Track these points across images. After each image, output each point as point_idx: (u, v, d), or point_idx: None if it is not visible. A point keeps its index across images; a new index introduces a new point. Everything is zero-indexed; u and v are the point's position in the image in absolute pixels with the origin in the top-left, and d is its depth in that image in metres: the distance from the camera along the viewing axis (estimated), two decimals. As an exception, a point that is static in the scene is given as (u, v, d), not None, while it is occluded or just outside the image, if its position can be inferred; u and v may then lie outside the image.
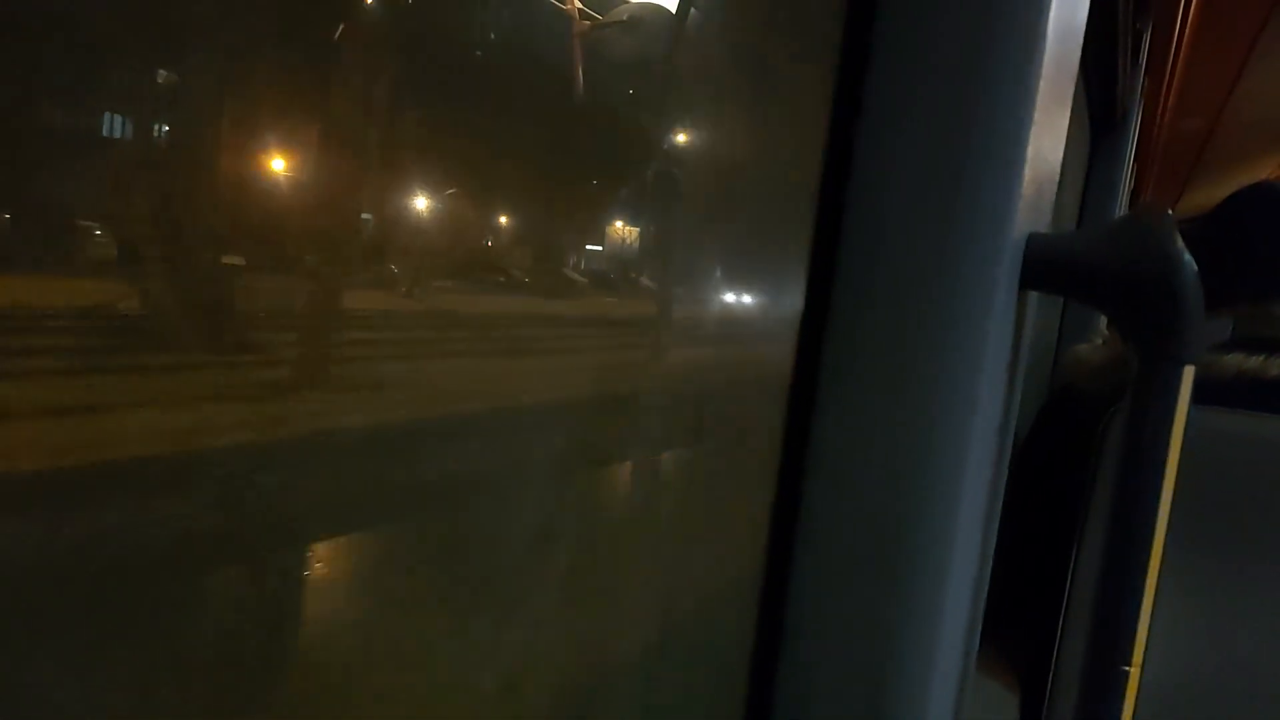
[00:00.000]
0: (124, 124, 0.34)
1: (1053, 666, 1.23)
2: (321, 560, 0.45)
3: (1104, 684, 0.56)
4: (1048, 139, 0.59)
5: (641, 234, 0.62)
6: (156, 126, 0.35)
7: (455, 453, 0.54)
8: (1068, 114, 0.70)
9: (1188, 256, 0.53)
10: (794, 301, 0.62)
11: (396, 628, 0.51)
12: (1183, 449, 0.56)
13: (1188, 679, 1.08)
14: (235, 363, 0.39)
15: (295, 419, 0.41)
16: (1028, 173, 0.53)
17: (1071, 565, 1.21)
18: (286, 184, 0.39)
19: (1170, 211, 0.55)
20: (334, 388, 0.43)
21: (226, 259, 0.37)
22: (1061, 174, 0.74)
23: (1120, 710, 0.55)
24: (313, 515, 0.43)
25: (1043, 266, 0.57)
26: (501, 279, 0.55)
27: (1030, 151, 0.53)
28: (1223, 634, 1.10)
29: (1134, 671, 0.55)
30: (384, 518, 0.49)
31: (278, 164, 0.38)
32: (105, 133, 0.33)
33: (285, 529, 0.42)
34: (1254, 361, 1.29)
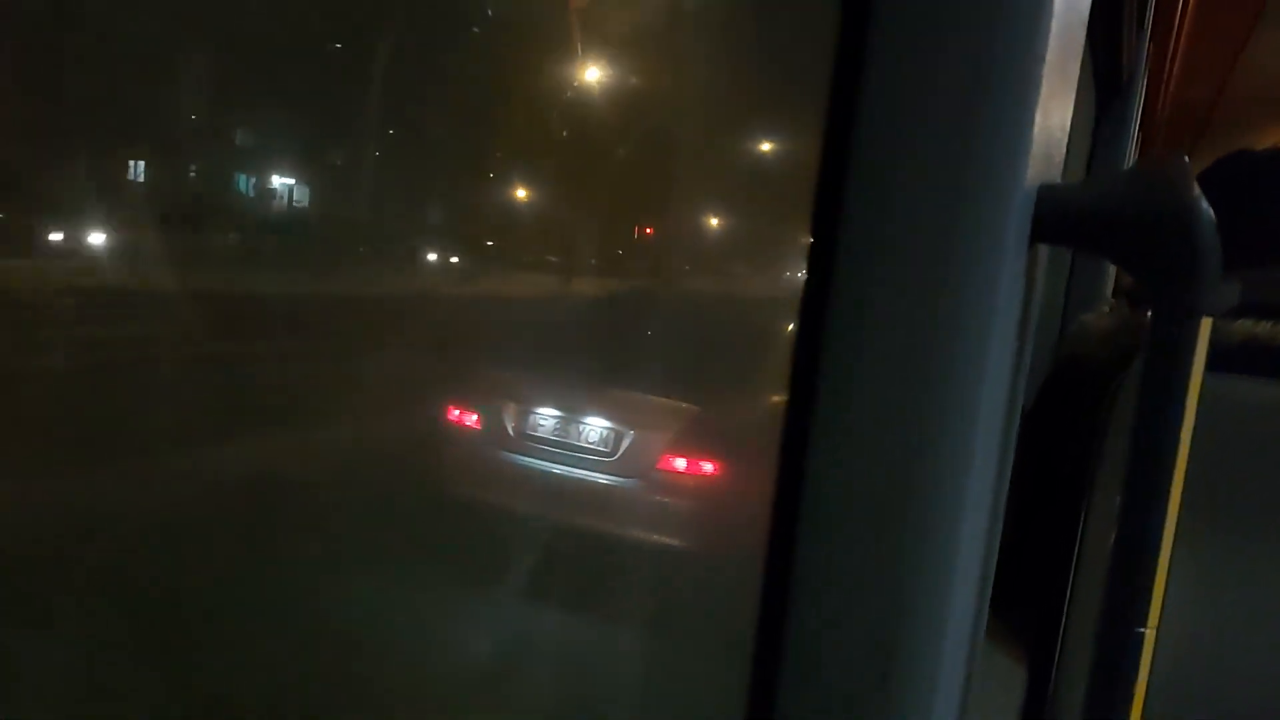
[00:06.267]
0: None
1: (1060, 635, 1.22)
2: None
3: (1120, 645, 0.54)
4: (1059, 84, 0.57)
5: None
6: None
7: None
8: (1079, 64, 0.68)
9: (1205, 203, 0.51)
10: (797, 254, 0.60)
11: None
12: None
13: (1194, 645, 1.08)
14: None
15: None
16: (1039, 117, 0.51)
17: (1079, 533, 1.20)
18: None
19: (1187, 158, 0.53)
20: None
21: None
22: (1067, 142, 0.72)
23: (1136, 671, 0.53)
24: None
25: (1055, 218, 0.54)
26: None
27: (1043, 92, 0.51)
28: (1225, 605, 1.09)
29: (1150, 633, 0.54)
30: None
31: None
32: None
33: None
34: (1264, 327, 1.27)
